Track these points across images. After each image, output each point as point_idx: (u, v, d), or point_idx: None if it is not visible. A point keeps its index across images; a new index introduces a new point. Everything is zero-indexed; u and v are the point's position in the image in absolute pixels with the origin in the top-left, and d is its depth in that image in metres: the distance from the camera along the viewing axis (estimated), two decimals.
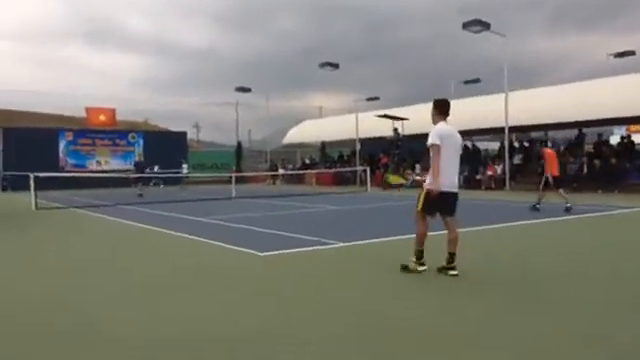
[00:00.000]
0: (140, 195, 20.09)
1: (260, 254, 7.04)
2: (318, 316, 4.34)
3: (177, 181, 27.71)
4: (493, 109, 22.61)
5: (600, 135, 23.72)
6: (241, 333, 3.90)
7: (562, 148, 24.40)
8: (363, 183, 24.46)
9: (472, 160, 25.12)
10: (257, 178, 32.93)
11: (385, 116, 27.11)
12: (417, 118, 23.30)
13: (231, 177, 22.81)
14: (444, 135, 5.55)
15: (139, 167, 22.08)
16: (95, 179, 26.48)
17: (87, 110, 33.33)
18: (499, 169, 22.53)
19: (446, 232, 5.71)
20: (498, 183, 22.00)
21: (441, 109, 5.76)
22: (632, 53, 27.85)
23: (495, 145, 30.46)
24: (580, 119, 21.04)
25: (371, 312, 4.38)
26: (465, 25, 20.92)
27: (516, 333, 3.77)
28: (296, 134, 36.78)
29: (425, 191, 5.61)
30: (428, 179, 5.64)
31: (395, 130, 27.73)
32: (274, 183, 31.90)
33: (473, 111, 25.03)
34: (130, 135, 32.92)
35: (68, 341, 3.81)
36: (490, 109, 23.21)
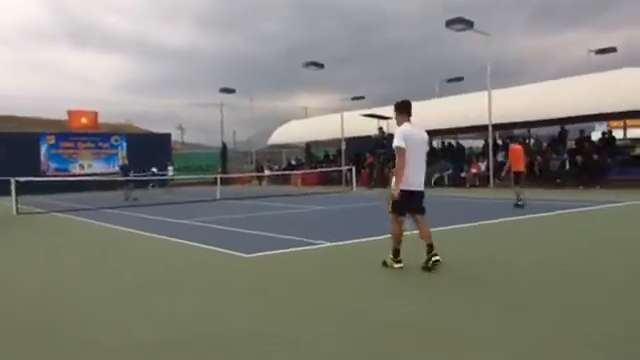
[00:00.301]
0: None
1: (246, 255, 6.99)
2: (308, 315, 4.32)
3: (163, 183, 27.46)
4: (476, 107, 22.77)
5: (582, 131, 24.02)
6: (231, 333, 3.85)
7: (545, 145, 24.69)
8: (349, 183, 24.47)
9: (456, 158, 25.29)
10: (242, 179, 32.79)
11: (370, 115, 27.15)
12: None
13: (216, 179, 22.66)
14: (408, 136, 5.67)
15: (124, 170, 21.78)
16: (78, 183, 26.12)
17: (69, 113, 32.92)
18: (483, 167, 22.69)
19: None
20: (482, 181, 22.15)
21: (403, 110, 5.86)
22: (613, 50, 28.22)
23: (479, 143, 30.69)
24: (562, 116, 21.28)
25: (361, 311, 4.36)
26: (448, 23, 21.02)
27: (508, 330, 3.78)
28: (281, 134, 36.68)
29: (393, 191, 5.75)
30: (393, 181, 5.75)
31: (380, 129, 27.79)
32: (260, 184, 31.78)
33: (457, 109, 25.20)
34: (113, 138, 32.54)
35: (52, 340, 3.74)
36: (473, 107, 23.37)
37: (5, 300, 5.23)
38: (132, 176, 21.49)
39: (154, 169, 26.05)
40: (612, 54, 28.39)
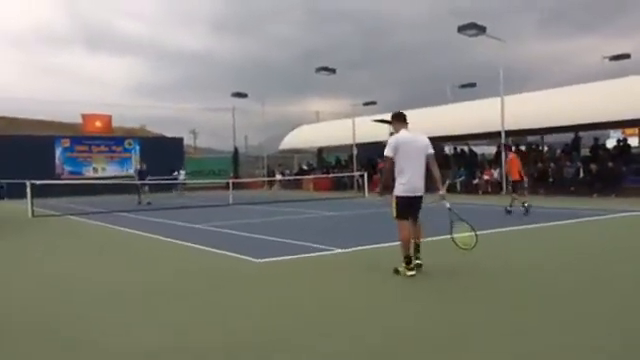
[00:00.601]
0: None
1: (256, 261, 7.02)
2: (317, 324, 4.32)
3: (174, 187, 27.64)
4: (489, 113, 22.65)
5: (596, 139, 23.79)
6: (238, 340, 3.87)
7: (559, 152, 24.49)
8: (360, 188, 24.44)
9: (469, 164, 25.17)
10: (254, 184, 32.89)
11: (382, 121, 27.11)
12: (414, 122, 23.30)
13: (228, 183, 22.75)
14: (401, 143, 5.94)
15: (142, 175, 21.85)
16: (92, 186, 26.40)
17: (83, 117, 33.31)
18: (496, 173, 22.56)
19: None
20: (494, 187, 22.02)
21: (398, 119, 6.20)
22: (627, 56, 27.97)
23: (492, 149, 30.52)
24: (576, 123, 21.10)
25: (374, 320, 4.35)
26: (460, 29, 20.96)
27: (512, 332, 3.76)
28: (293, 139, 36.76)
29: (394, 199, 5.97)
30: (395, 186, 5.98)
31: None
32: (271, 189, 31.87)
33: (469, 115, 25.10)
34: (126, 141, 32.85)
35: (63, 348, 3.79)
36: (486, 113, 23.25)
37: (15, 302, 5.30)
38: (147, 180, 21.62)
39: (176, 173, 26.42)
40: (626, 60, 28.14)
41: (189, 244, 8.79)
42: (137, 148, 32.37)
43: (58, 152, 30.27)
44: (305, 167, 36.88)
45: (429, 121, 25.17)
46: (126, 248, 9.10)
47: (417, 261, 5.99)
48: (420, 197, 6.01)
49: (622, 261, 6.76)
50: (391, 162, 5.93)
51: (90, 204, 20.56)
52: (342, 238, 9.25)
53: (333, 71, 29.55)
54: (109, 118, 33.55)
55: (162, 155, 29.78)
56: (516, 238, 9.05)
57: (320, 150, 35.99)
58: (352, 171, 28.30)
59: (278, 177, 30.23)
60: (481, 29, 20.93)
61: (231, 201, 19.42)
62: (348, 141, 29.59)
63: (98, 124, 32.97)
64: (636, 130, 27.52)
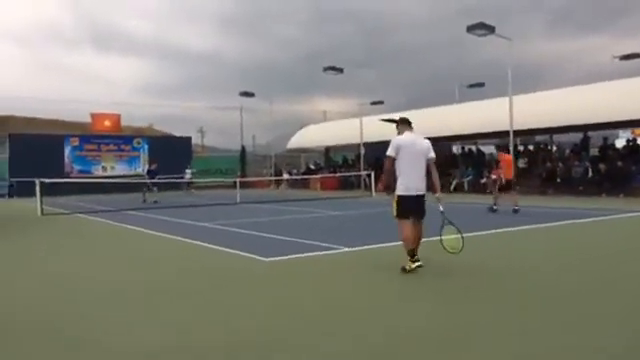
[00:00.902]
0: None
1: (264, 259, 7.05)
2: (321, 323, 4.33)
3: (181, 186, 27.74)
4: (497, 113, 22.54)
5: (606, 139, 23.63)
6: (241, 339, 3.90)
7: (567, 151, 24.36)
8: (368, 188, 24.43)
9: (476, 164, 25.09)
10: (261, 183, 32.96)
11: (389, 120, 27.06)
12: (421, 122, 23.24)
13: (235, 182, 22.81)
14: (402, 145, 6.07)
15: (152, 174, 21.95)
16: (101, 184, 26.56)
17: (92, 116, 33.50)
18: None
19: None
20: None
21: (403, 123, 6.36)
22: (637, 56, 27.79)
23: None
24: (585, 122, 20.97)
25: (377, 319, 4.37)
26: (469, 28, 20.84)
27: (515, 332, 3.77)
28: (300, 138, 36.79)
29: (395, 197, 6.07)
30: (397, 186, 6.08)
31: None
32: (277, 187, 31.92)
33: (477, 115, 25.01)
34: (135, 140, 33.03)
35: (66, 348, 3.83)
36: (494, 113, 23.15)
37: (19, 301, 5.36)
38: (157, 179, 21.73)
39: (187, 171, 26.60)
40: (636, 60, 27.96)
41: (196, 242, 8.84)
42: (146, 147, 32.53)
43: (67, 151, 30.48)
44: (312, 166, 36.91)
45: (437, 121, 25.13)
46: (132, 246, 9.17)
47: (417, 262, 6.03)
48: (422, 196, 6.08)
49: (627, 262, 6.73)
50: (392, 161, 6.06)
51: (99, 202, 20.70)
52: (349, 237, 9.27)
53: (340, 70, 29.53)
54: (118, 117, 33.72)
55: (171, 154, 29.90)
56: (520, 238, 9.01)
57: (327, 149, 35.98)
58: (359, 170, 28.29)
59: (285, 176, 30.28)
60: (490, 29, 20.80)
61: (238, 200, 19.48)
62: (355, 140, 29.57)
63: (107, 123, 33.15)
64: None
